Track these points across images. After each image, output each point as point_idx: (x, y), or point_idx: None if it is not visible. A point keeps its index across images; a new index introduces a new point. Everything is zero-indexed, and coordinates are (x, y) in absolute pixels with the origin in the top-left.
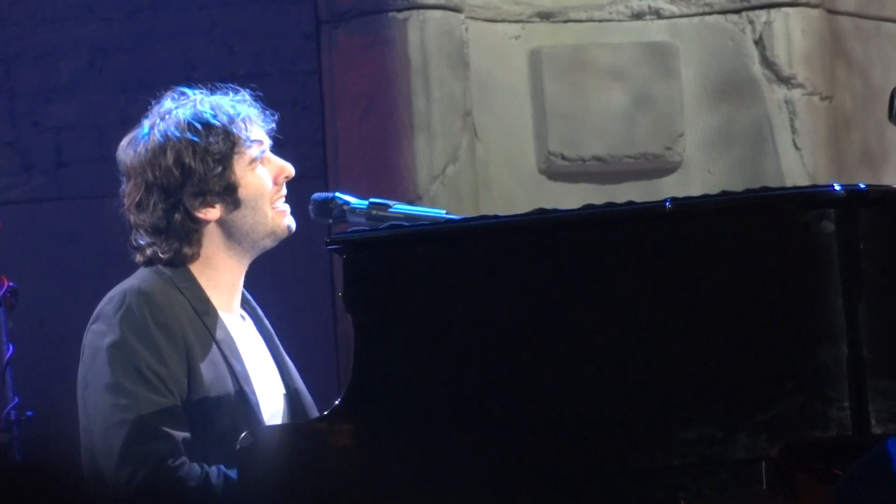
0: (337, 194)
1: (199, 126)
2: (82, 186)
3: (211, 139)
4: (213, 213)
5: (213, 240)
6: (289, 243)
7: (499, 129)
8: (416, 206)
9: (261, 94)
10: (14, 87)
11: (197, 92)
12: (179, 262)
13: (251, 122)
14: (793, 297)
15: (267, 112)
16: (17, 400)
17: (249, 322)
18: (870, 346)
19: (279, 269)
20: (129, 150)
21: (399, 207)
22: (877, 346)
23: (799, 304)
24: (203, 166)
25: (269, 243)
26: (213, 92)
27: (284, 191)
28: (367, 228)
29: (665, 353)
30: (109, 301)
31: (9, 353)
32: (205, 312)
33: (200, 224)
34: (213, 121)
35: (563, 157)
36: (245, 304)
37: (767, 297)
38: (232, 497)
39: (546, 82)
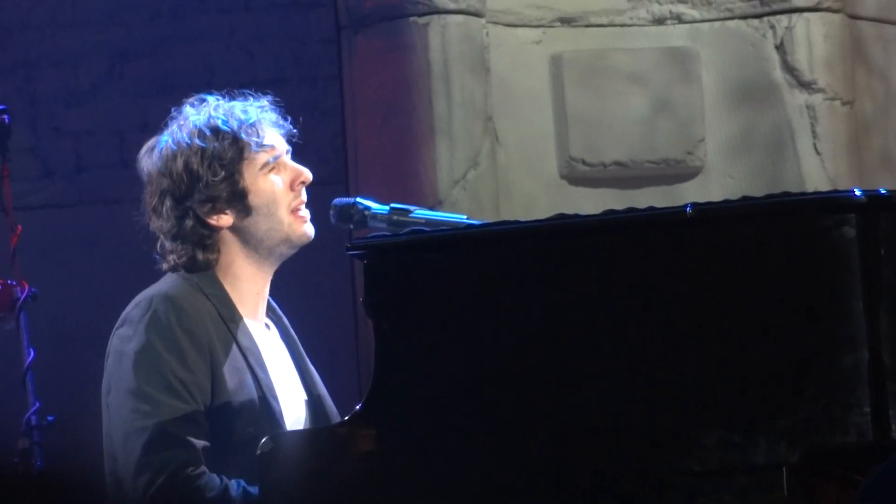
0: (358, 199)
1: (208, 132)
2: (102, 191)
3: (218, 145)
4: (225, 220)
5: (230, 247)
6: (310, 249)
7: (520, 134)
8: (436, 211)
9: (280, 100)
10: (34, 92)
11: (215, 98)
12: (197, 269)
13: (264, 127)
14: (813, 303)
15: (285, 118)
16: (37, 405)
17: (274, 331)
18: (890, 352)
19: (300, 275)
20: (146, 157)
21: (420, 213)
22: None
23: (819, 309)
24: (209, 172)
25: (286, 250)
26: (233, 98)
27: (304, 197)
28: (388, 234)
29: (685, 359)
30: (136, 306)
31: (29, 358)
32: (231, 319)
33: (213, 231)
34: (223, 126)
35: (584, 163)
36: (270, 312)
37: (787, 303)
38: (258, 498)
39: (567, 87)
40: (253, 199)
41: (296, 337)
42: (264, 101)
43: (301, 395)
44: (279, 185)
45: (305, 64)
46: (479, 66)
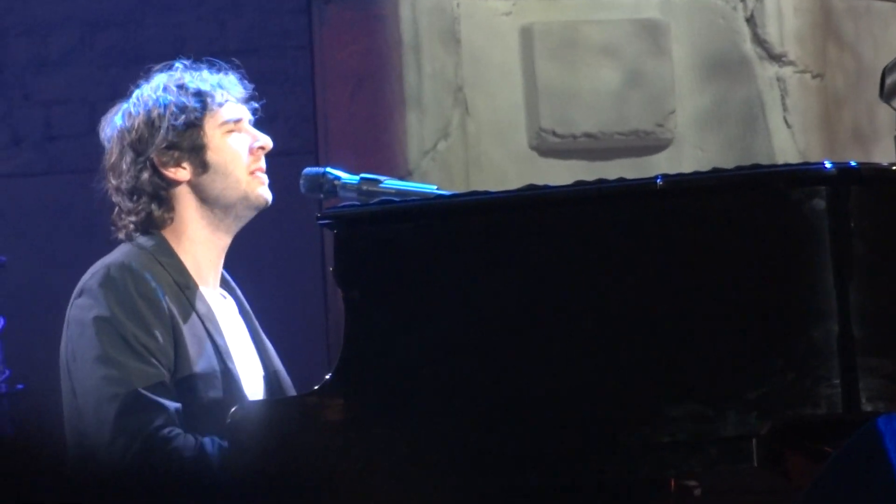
0: (328, 169)
1: (173, 87)
2: (72, 160)
3: (182, 98)
4: (182, 174)
5: (186, 206)
6: (279, 218)
7: (490, 106)
8: (406, 181)
9: (251, 69)
10: (4, 60)
11: (183, 64)
12: (152, 226)
13: (227, 88)
14: (783, 275)
15: (252, 91)
16: (8, 373)
17: (230, 301)
18: (860, 324)
19: (270, 245)
20: (109, 121)
21: (390, 183)
22: (867, 323)
23: (789, 281)
24: (171, 119)
25: (242, 210)
26: (202, 66)
27: (263, 163)
28: (357, 203)
29: (654, 331)
30: (93, 275)
31: None
32: (186, 286)
33: (170, 184)
34: (188, 84)
35: (555, 134)
36: (225, 284)
37: (758, 275)
38: (227, 467)
39: (537, 59)
40: (211, 156)
41: (250, 310)
42: (232, 76)
43: (258, 367)
44: (239, 147)
45: (276, 34)
46: (450, 37)
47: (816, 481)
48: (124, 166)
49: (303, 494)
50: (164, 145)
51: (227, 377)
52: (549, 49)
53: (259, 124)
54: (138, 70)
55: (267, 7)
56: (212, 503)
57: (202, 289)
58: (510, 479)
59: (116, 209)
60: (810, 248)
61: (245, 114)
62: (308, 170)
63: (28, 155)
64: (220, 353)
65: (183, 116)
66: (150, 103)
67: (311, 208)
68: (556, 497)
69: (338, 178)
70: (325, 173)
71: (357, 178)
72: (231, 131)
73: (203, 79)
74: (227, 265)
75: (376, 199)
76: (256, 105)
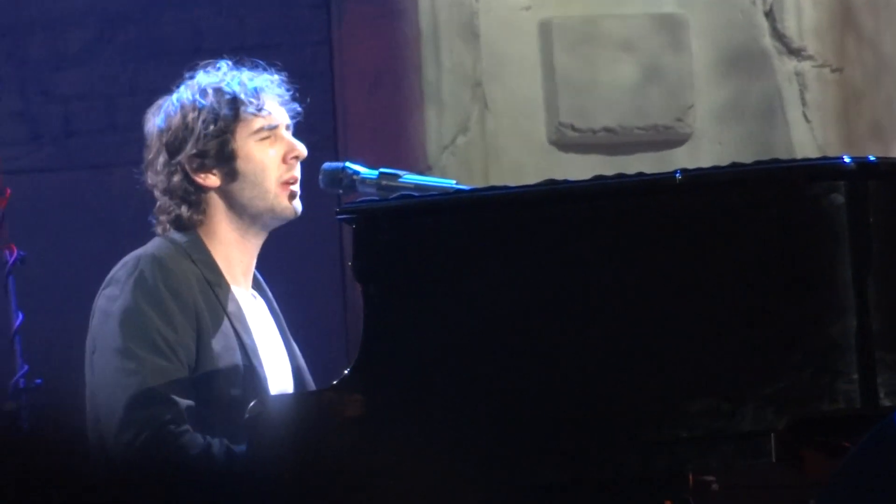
0: (347, 164)
1: (210, 91)
2: (91, 156)
3: (216, 103)
4: (211, 181)
5: (216, 210)
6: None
7: (509, 100)
8: (426, 176)
9: (262, 65)
10: (23, 56)
11: (227, 64)
12: (182, 226)
13: (265, 95)
14: (801, 270)
15: (290, 91)
16: (25, 368)
17: (260, 301)
18: (878, 319)
19: (289, 239)
20: (151, 116)
21: (409, 178)
22: (885, 318)
23: (807, 276)
24: (203, 127)
25: (270, 220)
26: (249, 67)
27: (297, 172)
28: (377, 198)
29: (673, 325)
30: (123, 266)
31: (18, 322)
32: (217, 284)
33: (200, 189)
34: (225, 88)
35: (574, 128)
36: (256, 285)
37: (776, 270)
38: (233, 470)
39: (556, 53)
40: (241, 165)
41: (280, 313)
42: (275, 76)
43: (286, 366)
44: (271, 156)
45: (294, 29)
46: (469, 31)
47: (835, 476)
48: (159, 166)
49: (319, 489)
50: (194, 151)
51: (252, 375)
52: (567, 43)
53: None
54: (157, 65)
55: (285, 2)
56: (213, 501)
57: (234, 288)
58: (527, 474)
59: (158, 204)
60: (829, 242)
61: (283, 120)
62: (327, 165)
63: (47, 150)
64: (247, 352)
65: (214, 125)
66: (187, 106)
67: (330, 203)
68: (575, 492)
69: (357, 172)
70: (344, 168)
71: (376, 172)
72: (265, 139)
73: (242, 83)
74: None
75: (395, 194)
76: (299, 108)
